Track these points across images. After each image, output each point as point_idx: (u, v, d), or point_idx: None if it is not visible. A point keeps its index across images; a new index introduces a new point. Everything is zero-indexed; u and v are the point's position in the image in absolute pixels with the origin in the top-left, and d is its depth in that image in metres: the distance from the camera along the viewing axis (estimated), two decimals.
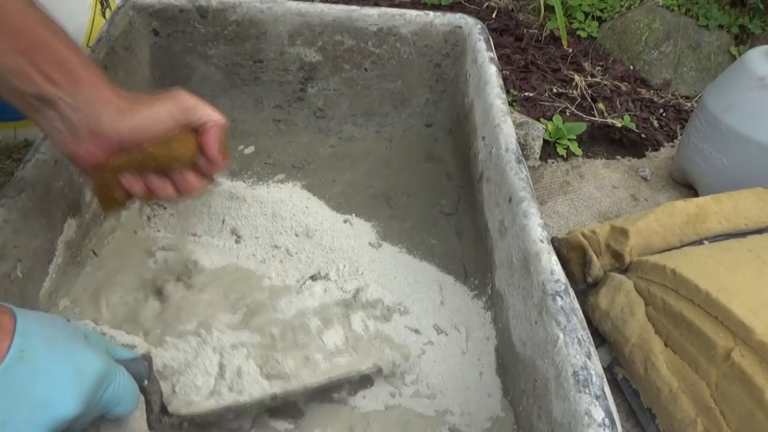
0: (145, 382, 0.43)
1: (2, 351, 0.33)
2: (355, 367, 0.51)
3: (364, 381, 0.53)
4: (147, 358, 0.45)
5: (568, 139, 1.06)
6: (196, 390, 0.45)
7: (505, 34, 1.37)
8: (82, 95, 0.42)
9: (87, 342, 0.39)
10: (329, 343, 0.52)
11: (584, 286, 0.72)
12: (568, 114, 1.13)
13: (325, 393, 0.52)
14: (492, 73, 0.66)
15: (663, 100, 1.25)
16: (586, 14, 1.43)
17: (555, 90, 1.19)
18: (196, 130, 0.48)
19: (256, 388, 0.47)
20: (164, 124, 0.46)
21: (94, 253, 0.59)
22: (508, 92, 1.16)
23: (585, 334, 0.42)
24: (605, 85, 1.24)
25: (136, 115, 0.44)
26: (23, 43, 0.40)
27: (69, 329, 0.39)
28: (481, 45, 0.70)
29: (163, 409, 0.45)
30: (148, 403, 0.43)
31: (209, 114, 0.48)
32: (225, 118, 0.49)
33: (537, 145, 0.98)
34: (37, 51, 0.41)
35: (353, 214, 0.69)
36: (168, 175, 0.49)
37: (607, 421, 0.37)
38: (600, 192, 1.00)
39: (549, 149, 1.05)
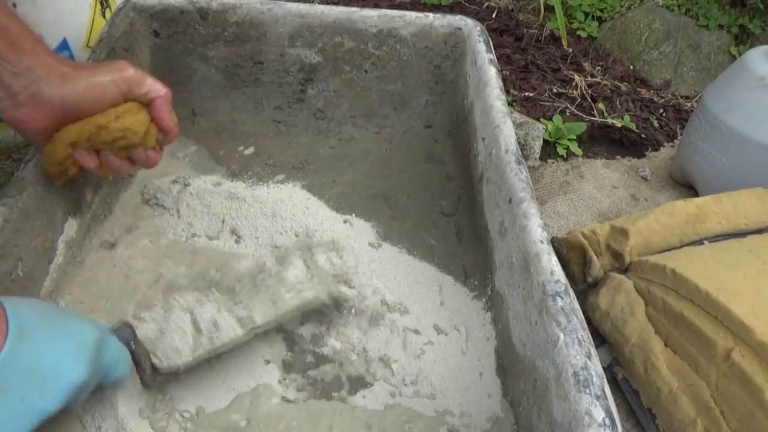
0: (132, 345, 0.45)
1: (2, 332, 0.34)
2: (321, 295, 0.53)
3: (362, 381, 0.54)
4: (128, 324, 0.47)
5: (568, 139, 1.06)
6: (178, 353, 0.47)
7: (505, 34, 1.37)
8: (22, 62, 0.42)
9: (74, 315, 0.40)
10: (291, 277, 0.53)
11: (584, 286, 0.72)
12: (568, 114, 1.13)
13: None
14: (492, 74, 0.66)
15: (663, 100, 1.25)
16: (586, 14, 1.43)
17: (555, 90, 1.19)
18: (144, 105, 0.49)
19: (232, 333, 0.49)
20: (108, 93, 0.46)
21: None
22: (508, 92, 1.16)
23: (585, 334, 0.42)
24: (605, 85, 1.24)
25: (78, 81, 0.44)
26: None
27: (53, 307, 0.40)
28: (481, 47, 0.70)
29: (153, 369, 0.46)
30: (138, 364, 0.45)
31: (153, 86, 0.49)
32: (168, 89, 0.50)
33: (537, 145, 0.98)
34: None
35: (353, 215, 0.69)
36: (122, 150, 0.50)
37: (607, 421, 0.37)
38: (600, 192, 1.00)
39: (549, 149, 1.06)
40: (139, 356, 0.45)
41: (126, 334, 0.45)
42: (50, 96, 0.44)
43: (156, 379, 0.47)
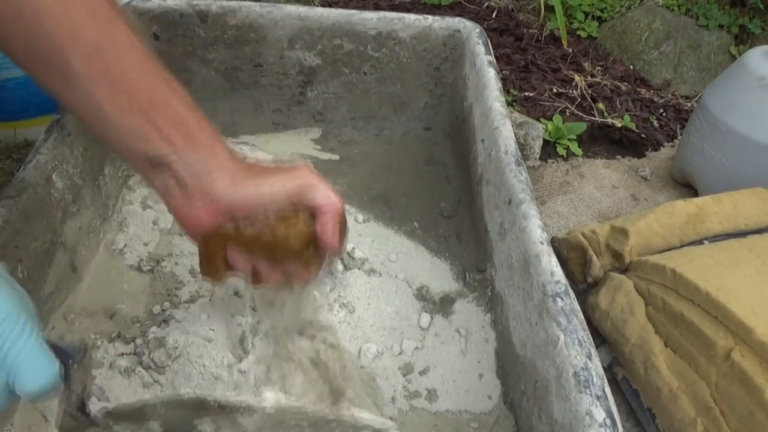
0: (72, 366, 0.39)
1: None
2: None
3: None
4: (84, 343, 0.42)
5: (568, 139, 1.06)
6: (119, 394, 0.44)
7: (505, 34, 1.37)
8: (198, 157, 0.39)
9: (10, 288, 0.35)
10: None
11: (584, 286, 0.72)
12: (568, 114, 1.13)
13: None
14: (491, 76, 0.66)
15: (663, 100, 1.25)
16: (586, 14, 1.43)
17: (555, 90, 1.19)
18: (311, 213, 0.44)
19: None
20: (277, 200, 0.42)
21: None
22: (508, 92, 1.17)
23: (585, 335, 0.42)
24: (605, 85, 1.24)
25: (249, 184, 0.41)
26: (141, 99, 0.38)
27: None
28: (480, 49, 0.71)
29: (81, 407, 0.41)
30: (66, 389, 0.39)
31: (325, 195, 0.43)
32: (341, 200, 0.44)
33: (537, 145, 0.98)
34: (156, 109, 0.38)
35: (353, 216, 0.69)
36: (277, 262, 0.45)
37: (608, 422, 0.37)
38: (600, 192, 1.00)
39: (549, 149, 1.06)
40: (72, 382, 0.39)
41: (72, 349, 0.39)
42: (220, 197, 0.40)
43: (76, 417, 0.41)
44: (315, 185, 0.43)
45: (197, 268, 0.60)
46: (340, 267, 0.61)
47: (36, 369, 0.35)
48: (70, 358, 0.39)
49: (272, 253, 0.44)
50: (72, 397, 0.40)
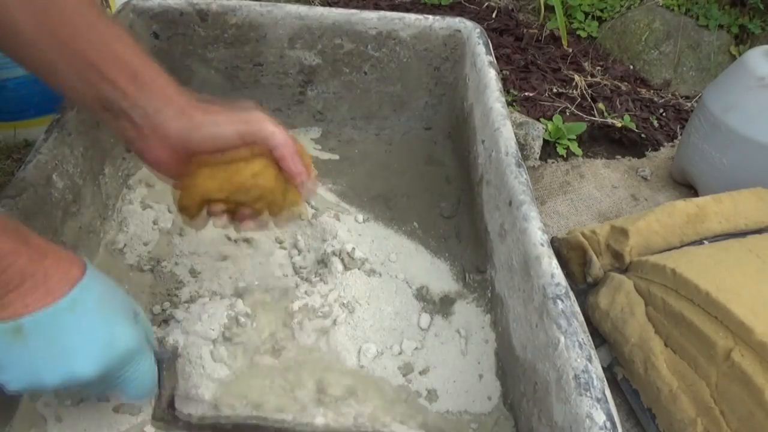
0: (164, 371, 0.44)
1: (59, 294, 0.36)
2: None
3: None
4: (174, 351, 0.46)
5: (568, 139, 1.06)
6: (200, 403, 0.46)
7: (505, 34, 1.37)
8: (148, 99, 0.42)
9: (134, 318, 0.40)
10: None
11: (584, 286, 0.72)
12: (568, 114, 1.13)
13: None
14: (491, 76, 0.66)
15: (663, 100, 1.25)
16: (586, 14, 1.43)
17: (555, 90, 1.19)
18: (269, 151, 0.47)
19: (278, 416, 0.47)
20: (230, 139, 0.45)
21: None
22: (508, 92, 1.17)
23: (586, 337, 0.42)
24: (605, 85, 1.24)
25: (202, 123, 0.44)
26: (88, 50, 0.40)
27: (125, 301, 0.40)
28: (480, 49, 0.70)
29: (171, 405, 0.45)
30: (159, 394, 0.44)
31: (276, 132, 0.46)
32: (290, 139, 0.47)
33: (537, 145, 0.98)
34: (103, 57, 0.40)
35: (353, 216, 0.69)
36: (255, 203, 0.48)
37: (608, 424, 0.37)
38: (600, 192, 1.00)
39: (549, 149, 1.06)
40: (163, 385, 0.44)
41: (165, 357, 0.44)
42: (168, 130, 0.43)
43: (167, 415, 0.45)
44: (264, 125, 0.46)
45: (197, 268, 0.61)
46: (340, 267, 0.60)
47: (141, 387, 0.41)
48: (163, 363, 0.43)
49: (247, 194, 0.47)
50: (163, 398, 0.44)
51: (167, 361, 0.45)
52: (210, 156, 0.45)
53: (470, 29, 0.74)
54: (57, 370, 0.36)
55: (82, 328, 0.36)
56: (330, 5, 1.37)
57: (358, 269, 0.62)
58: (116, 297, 0.40)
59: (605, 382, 0.40)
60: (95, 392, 0.41)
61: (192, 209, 0.47)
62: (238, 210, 0.48)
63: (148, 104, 0.42)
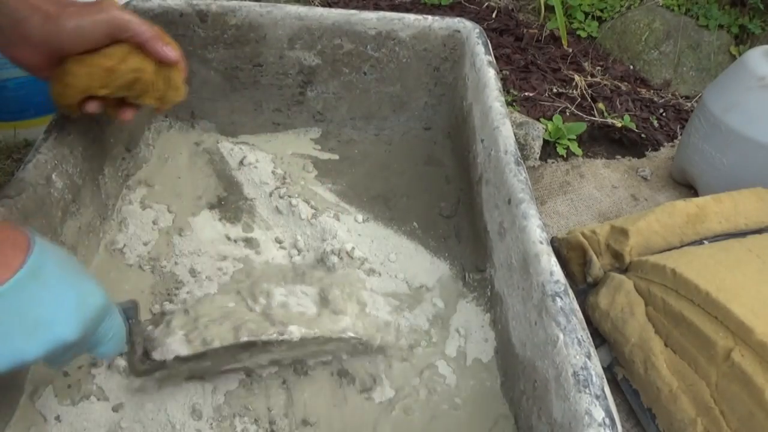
0: (131, 323, 0.45)
1: (16, 265, 0.35)
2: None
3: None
4: (134, 302, 0.47)
5: (568, 139, 1.06)
6: (173, 345, 0.47)
7: (505, 34, 1.37)
8: (12, 5, 0.45)
9: (89, 276, 0.40)
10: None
11: (584, 286, 0.72)
12: (568, 114, 1.13)
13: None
14: (490, 76, 0.66)
15: (663, 100, 1.25)
16: (586, 14, 1.43)
17: (555, 90, 1.20)
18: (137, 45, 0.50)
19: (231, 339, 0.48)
20: (95, 35, 0.47)
21: None
22: (508, 92, 1.17)
23: (585, 334, 0.42)
24: (605, 85, 1.24)
25: (64, 22, 0.46)
26: None
27: (73, 261, 0.40)
28: (480, 49, 0.71)
29: (145, 353, 0.46)
30: (131, 344, 0.45)
31: (140, 24, 0.49)
32: (154, 29, 0.51)
33: (537, 145, 0.98)
34: None
35: (353, 216, 0.69)
36: (139, 95, 0.52)
37: (607, 421, 0.37)
38: (600, 192, 1.00)
39: (549, 149, 1.06)
40: (134, 336, 0.45)
41: (129, 310, 0.45)
42: (35, 35, 0.46)
43: (144, 364, 0.46)
44: (127, 20, 0.49)
45: (197, 268, 0.61)
46: (339, 267, 0.61)
47: (115, 340, 0.42)
48: (129, 318, 0.45)
49: (132, 88, 0.50)
50: (137, 348, 0.45)
51: (130, 311, 0.46)
52: (82, 55, 0.48)
53: (469, 29, 0.74)
54: (38, 340, 0.35)
55: (51, 294, 0.36)
56: (330, 5, 1.37)
57: (358, 269, 0.62)
58: (70, 257, 0.40)
59: (604, 379, 0.40)
60: (77, 354, 0.40)
61: (73, 107, 0.50)
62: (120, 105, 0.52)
63: (15, 13, 0.45)
